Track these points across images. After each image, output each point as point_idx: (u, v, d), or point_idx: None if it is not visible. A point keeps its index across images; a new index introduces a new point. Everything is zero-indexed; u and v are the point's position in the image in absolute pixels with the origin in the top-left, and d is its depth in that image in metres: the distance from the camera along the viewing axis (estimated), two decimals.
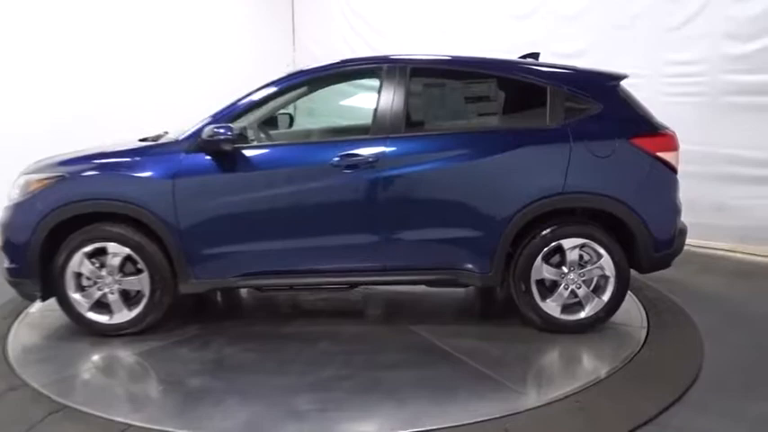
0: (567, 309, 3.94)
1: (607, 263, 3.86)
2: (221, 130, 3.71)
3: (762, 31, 5.71)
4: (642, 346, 3.83)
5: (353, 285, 4.16)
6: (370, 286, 4.70)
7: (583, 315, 3.93)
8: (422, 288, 4.34)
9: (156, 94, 7.57)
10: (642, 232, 3.83)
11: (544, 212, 3.83)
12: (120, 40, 7.40)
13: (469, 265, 3.89)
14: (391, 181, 3.79)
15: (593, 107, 3.88)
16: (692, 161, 5.58)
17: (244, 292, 4.89)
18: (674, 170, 3.89)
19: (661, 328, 4.09)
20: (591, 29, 6.67)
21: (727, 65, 5.93)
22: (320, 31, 9.15)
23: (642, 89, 5.07)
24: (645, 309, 4.41)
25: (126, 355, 3.78)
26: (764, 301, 4.75)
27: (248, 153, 3.84)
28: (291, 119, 5.16)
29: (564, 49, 6.55)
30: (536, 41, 6.55)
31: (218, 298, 4.83)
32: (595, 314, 3.92)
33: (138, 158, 3.86)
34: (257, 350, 3.80)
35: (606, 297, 3.91)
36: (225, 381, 3.42)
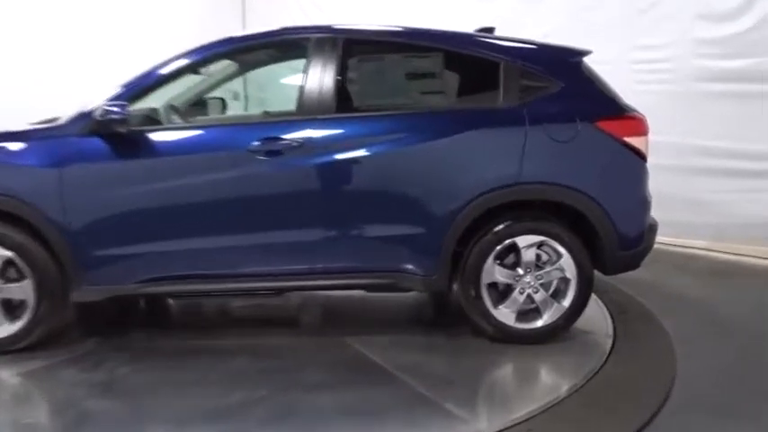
0: (522, 316, 3.43)
1: (568, 263, 3.37)
2: (114, 109, 3.14)
3: (737, 12, 5.29)
4: (607, 358, 3.34)
5: (280, 291, 3.62)
6: (305, 291, 4.16)
7: (540, 323, 3.42)
8: (364, 292, 3.81)
9: (95, 78, 6.93)
10: (607, 228, 3.34)
11: (496, 206, 3.32)
12: (63, 21, 6.88)
13: (410, 267, 3.36)
14: (319, 170, 3.25)
15: (553, 86, 3.38)
16: (665, 153, 5.18)
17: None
18: (643, 158, 3.41)
19: (629, 337, 3.61)
20: (557, 11, 6.22)
21: (700, 49, 5.51)
22: (271, 14, 8.59)
23: (610, 76, 4.62)
24: (611, 315, 3.92)
25: (7, 376, 3.20)
26: (742, 304, 4.31)
27: (151, 137, 3.27)
28: (224, 103, 4.59)
29: (529, 31, 6.04)
30: (500, 23, 6.08)
31: (142, 304, 4.26)
32: (555, 322, 3.42)
33: (18, 143, 3.27)
34: (159, 369, 3.23)
35: (567, 302, 3.41)
36: (108, 409, 2.84)
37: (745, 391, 3.06)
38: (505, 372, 3.32)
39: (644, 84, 5.71)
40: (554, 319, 3.42)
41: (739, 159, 5.45)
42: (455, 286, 3.47)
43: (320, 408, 2.82)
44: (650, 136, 3.49)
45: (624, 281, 4.31)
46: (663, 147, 5.11)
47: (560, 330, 3.46)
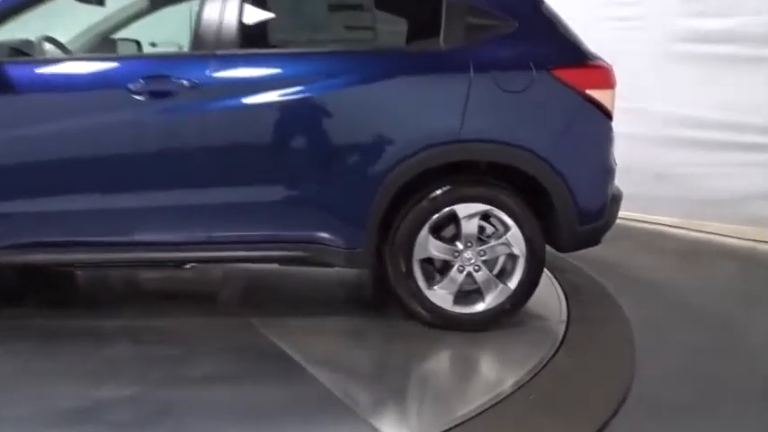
0: (461, 298, 2.93)
1: (516, 238, 2.85)
2: None
3: None
4: (558, 348, 2.85)
5: (177, 264, 3.06)
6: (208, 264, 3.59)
7: (482, 307, 2.91)
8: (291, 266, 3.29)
9: None
10: (563, 198, 2.83)
11: (433, 167, 2.79)
12: None
13: (328, 238, 2.82)
14: (214, 117, 2.67)
15: (505, 25, 2.83)
16: (635, 121, 4.72)
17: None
18: (608, 115, 2.90)
19: (584, 324, 3.12)
20: None
21: (677, 6, 5.00)
22: None
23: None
24: (566, 297, 3.43)
25: None
26: (711, 288, 3.87)
27: (7, 71, 2.65)
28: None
29: None
30: None
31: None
32: (499, 306, 2.91)
33: None
34: (23, 355, 2.66)
35: (514, 283, 2.90)
36: None
37: (712, 388, 2.63)
38: (439, 365, 2.83)
39: (617, 43, 5.17)
40: (498, 302, 2.91)
41: (714, 130, 4.98)
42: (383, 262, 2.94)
43: (201, 407, 2.28)
44: (620, 102, 2.98)
45: (584, 259, 3.85)
46: (634, 114, 4.66)
47: (506, 315, 2.95)
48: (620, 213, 3.18)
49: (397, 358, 2.79)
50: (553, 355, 2.80)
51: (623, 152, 3.16)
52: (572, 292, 3.53)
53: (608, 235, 3.17)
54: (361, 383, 2.54)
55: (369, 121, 2.73)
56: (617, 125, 2.98)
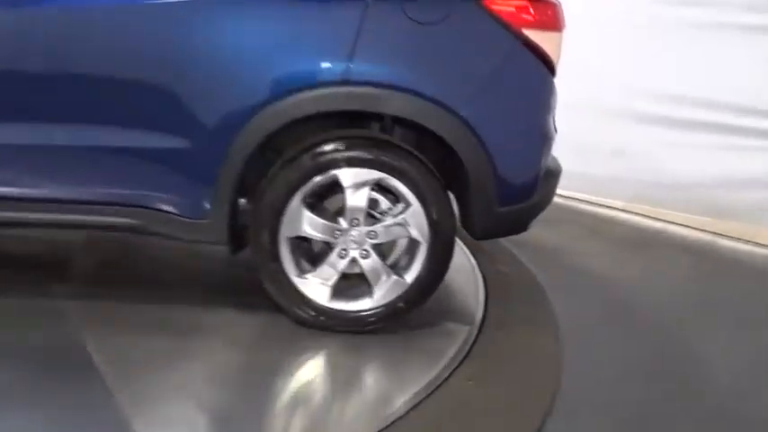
0: (342, 292, 2.26)
1: (417, 218, 2.17)
2: None
3: None
4: (461, 362, 2.22)
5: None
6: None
7: (369, 304, 2.25)
8: None
9: None
10: (480, 168, 2.14)
11: (310, 116, 2.09)
12: None
13: (164, 203, 2.11)
14: (27, 28, 1.96)
15: None
16: (590, 89, 4.12)
17: None
18: (550, 67, 2.22)
19: (503, 332, 2.48)
20: None
21: None
22: None
23: None
24: (487, 294, 2.78)
25: None
26: (660, 285, 3.27)
27: None
28: None
29: None
30: None
31: None
32: (391, 303, 2.25)
33: None
34: None
35: (411, 276, 2.24)
36: None
37: (653, 407, 2.06)
38: (303, 381, 2.14)
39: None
40: (390, 298, 2.24)
41: (680, 106, 4.37)
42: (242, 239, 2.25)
43: None
44: (576, 67, 2.32)
45: (520, 243, 3.23)
46: (590, 80, 4.04)
47: (399, 315, 2.28)
48: (570, 193, 2.58)
49: (254, 373, 2.10)
50: (457, 367, 2.18)
51: (577, 125, 2.54)
52: (496, 285, 2.87)
53: (553, 217, 2.55)
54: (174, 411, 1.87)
55: (218, 50, 2.01)
56: (569, 92, 2.33)
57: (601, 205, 4.57)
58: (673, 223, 4.31)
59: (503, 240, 3.26)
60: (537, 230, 2.60)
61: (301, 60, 2.02)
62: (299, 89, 2.01)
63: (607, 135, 4.40)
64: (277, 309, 2.26)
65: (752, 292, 3.34)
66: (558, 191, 2.53)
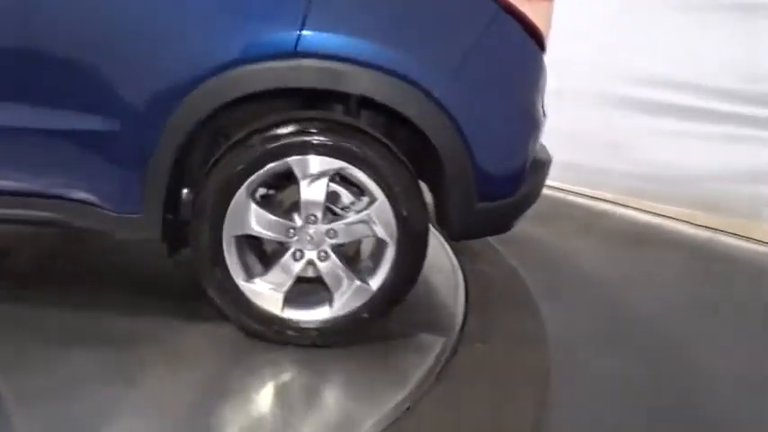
0: (298, 299, 1.96)
1: (383, 214, 1.87)
2: None
3: None
4: (436, 379, 1.94)
5: None
6: None
7: (328, 313, 1.95)
8: None
9: None
10: (455, 156, 1.83)
11: (261, 96, 1.77)
12: None
13: (92, 195, 1.80)
14: None
15: None
16: (586, 75, 3.86)
17: None
18: (538, 40, 1.92)
19: (483, 348, 2.18)
20: None
21: None
22: None
23: None
24: (467, 299, 2.49)
25: None
26: (654, 290, 2.91)
27: None
28: None
29: None
30: None
31: None
32: (353, 313, 1.94)
33: None
34: None
35: (376, 282, 1.94)
36: None
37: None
38: (263, 400, 1.85)
39: None
40: (352, 307, 1.94)
41: (674, 91, 4.08)
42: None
43: None
44: (570, 52, 2.03)
45: (508, 241, 2.92)
46: (585, 66, 3.78)
47: (363, 328, 1.99)
48: (563, 185, 2.27)
49: (177, 390, 1.80)
50: (426, 391, 1.89)
51: (570, 114, 2.24)
52: (478, 290, 2.58)
53: (545, 212, 2.25)
54: None
55: (145, 19, 1.69)
56: (564, 79, 2.04)
57: (596, 198, 4.29)
58: (669, 218, 4.02)
59: (489, 239, 3.00)
60: (524, 225, 2.30)
61: (241, 28, 1.70)
62: (239, 63, 1.69)
63: (604, 124, 4.12)
64: (222, 317, 1.96)
65: (750, 292, 3.06)
66: (548, 182, 2.25)
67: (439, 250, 2.88)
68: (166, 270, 2.28)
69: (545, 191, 2.26)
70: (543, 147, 2.18)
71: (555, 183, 3.80)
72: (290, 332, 1.95)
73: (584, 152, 4.01)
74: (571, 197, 4.14)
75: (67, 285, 2.26)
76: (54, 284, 2.25)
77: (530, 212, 2.15)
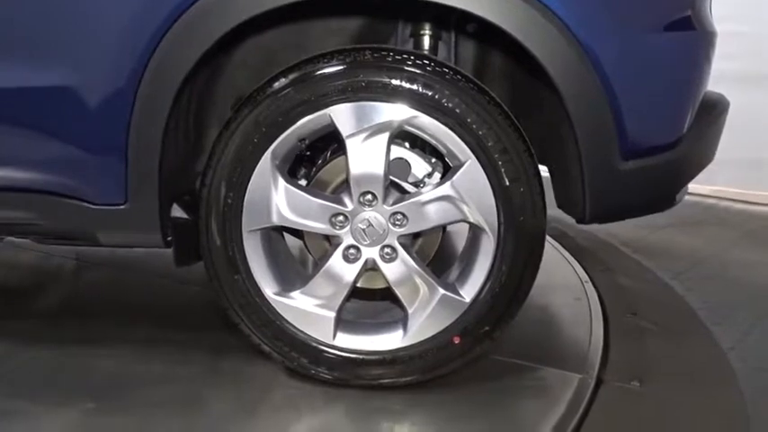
0: (357, 320, 1.36)
1: (473, 186, 1.23)
2: None
3: None
4: None
5: None
6: None
7: (401, 341, 1.32)
8: None
9: None
10: (587, 89, 1.18)
11: (286, 15, 1.24)
12: None
13: (59, 180, 1.29)
14: None
15: None
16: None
17: None
18: None
19: (643, 380, 1.47)
20: None
21: None
22: None
23: None
24: (605, 320, 1.76)
25: None
26: None
27: None
28: None
29: None
30: None
31: None
32: (439, 338, 1.29)
33: None
34: None
35: (471, 291, 1.29)
36: None
37: None
38: None
39: None
40: (437, 330, 1.29)
41: None
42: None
43: None
44: None
45: (650, 250, 2.23)
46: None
47: (453, 360, 1.33)
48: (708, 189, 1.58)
49: None
50: None
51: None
52: (619, 310, 1.85)
53: (691, 217, 1.58)
54: None
55: None
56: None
57: (753, 203, 3.42)
58: None
59: (617, 244, 2.33)
60: (665, 234, 1.61)
61: None
62: None
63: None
64: (253, 349, 1.38)
65: None
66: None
67: (558, 260, 2.20)
68: (187, 295, 1.76)
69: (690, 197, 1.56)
70: (713, 91, 1.48)
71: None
72: (345, 367, 1.33)
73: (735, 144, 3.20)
74: (721, 202, 3.32)
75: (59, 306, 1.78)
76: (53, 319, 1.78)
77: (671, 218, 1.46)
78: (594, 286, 2.01)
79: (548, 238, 1.43)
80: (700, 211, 3.14)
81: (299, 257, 1.46)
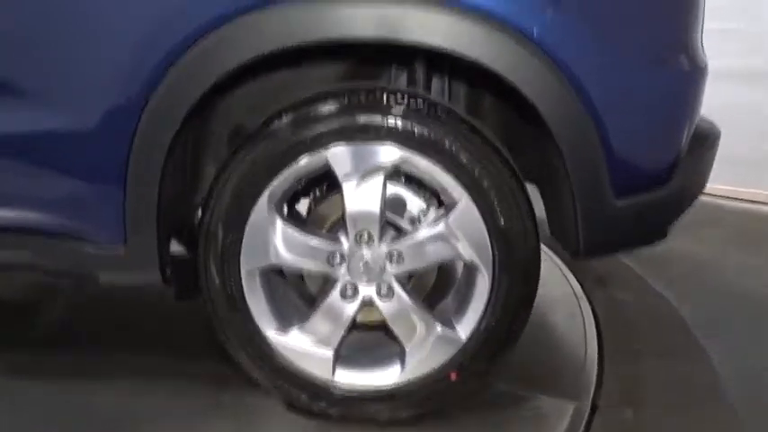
0: (355, 356, 1.38)
1: (468, 225, 1.25)
2: None
3: None
4: None
5: None
6: None
7: (398, 376, 1.34)
8: None
9: None
10: (578, 128, 1.19)
11: (284, 61, 1.24)
12: None
13: (55, 221, 1.30)
14: None
15: None
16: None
17: None
18: None
19: (636, 407, 1.49)
20: None
21: None
22: None
23: None
24: (600, 341, 1.77)
25: None
26: None
27: None
28: None
29: None
30: None
31: None
32: (436, 374, 1.31)
33: None
34: None
35: (466, 328, 1.31)
36: None
37: None
38: None
39: None
40: (434, 366, 1.32)
41: None
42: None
43: None
44: None
45: (646, 257, 2.22)
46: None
47: (450, 394, 1.35)
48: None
49: None
50: None
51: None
52: (615, 328, 1.87)
53: (687, 218, 1.56)
54: None
55: None
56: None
57: (749, 201, 3.44)
58: None
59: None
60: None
61: None
62: (243, 10, 1.15)
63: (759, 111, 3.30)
64: (252, 384, 1.40)
65: None
66: None
67: (552, 271, 2.21)
68: (185, 318, 1.77)
69: None
70: (705, 118, 1.49)
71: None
72: (344, 404, 1.35)
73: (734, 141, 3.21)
74: (717, 200, 3.33)
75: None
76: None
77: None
78: (589, 301, 2.03)
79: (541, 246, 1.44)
80: (694, 209, 3.15)
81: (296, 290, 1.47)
